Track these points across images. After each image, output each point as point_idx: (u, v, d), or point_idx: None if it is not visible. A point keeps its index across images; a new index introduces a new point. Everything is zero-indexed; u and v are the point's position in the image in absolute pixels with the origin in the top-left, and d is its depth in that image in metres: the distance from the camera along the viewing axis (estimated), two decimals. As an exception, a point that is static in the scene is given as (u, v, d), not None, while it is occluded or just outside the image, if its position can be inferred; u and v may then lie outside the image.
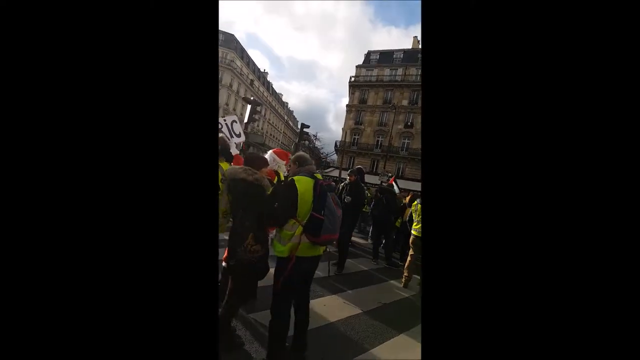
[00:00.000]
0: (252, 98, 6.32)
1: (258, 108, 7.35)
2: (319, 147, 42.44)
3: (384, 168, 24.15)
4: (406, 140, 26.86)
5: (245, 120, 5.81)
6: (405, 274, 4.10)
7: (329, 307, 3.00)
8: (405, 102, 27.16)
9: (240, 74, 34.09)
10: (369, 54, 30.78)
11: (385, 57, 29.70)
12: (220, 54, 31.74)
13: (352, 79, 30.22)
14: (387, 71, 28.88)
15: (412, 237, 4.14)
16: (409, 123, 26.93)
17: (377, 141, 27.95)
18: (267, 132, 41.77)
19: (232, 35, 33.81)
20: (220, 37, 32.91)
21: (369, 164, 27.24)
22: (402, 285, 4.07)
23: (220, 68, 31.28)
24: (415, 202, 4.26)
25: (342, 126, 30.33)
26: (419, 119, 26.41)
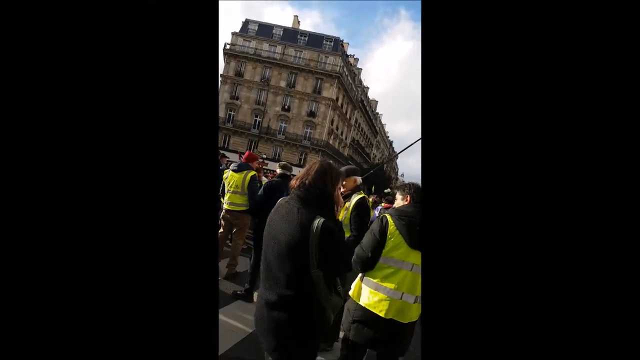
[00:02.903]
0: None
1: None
2: None
3: (257, 149, 23.36)
4: (283, 124, 26.72)
5: None
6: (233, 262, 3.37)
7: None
8: (283, 84, 26.84)
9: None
10: (247, 22, 28.47)
11: (264, 30, 28.16)
12: None
13: (227, 46, 27.45)
14: (265, 45, 27.46)
15: (222, 212, 3.43)
16: (286, 106, 26.81)
17: (255, 121, 26.70)
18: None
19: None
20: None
21: (246, 145, 25.80)
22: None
23: None
24: (225, 171, 3.55)
25: (217, 99, 27.42)
26: (296, 103, 26.72)
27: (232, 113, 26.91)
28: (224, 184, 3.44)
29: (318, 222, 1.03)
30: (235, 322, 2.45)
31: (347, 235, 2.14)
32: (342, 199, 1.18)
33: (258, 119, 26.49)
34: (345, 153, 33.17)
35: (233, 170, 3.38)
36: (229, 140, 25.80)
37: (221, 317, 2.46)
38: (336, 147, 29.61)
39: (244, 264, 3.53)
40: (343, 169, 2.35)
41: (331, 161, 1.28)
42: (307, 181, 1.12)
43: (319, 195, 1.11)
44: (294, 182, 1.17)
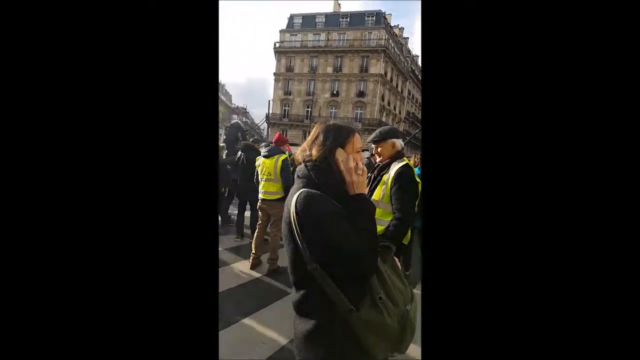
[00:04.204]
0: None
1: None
2: (257, 124, 39.31)
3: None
4: (333, 110, 26.24)
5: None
6: (252, 251, 3.15)
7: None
8: (330, 70, 26.23)
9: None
10: (291, 18, 28.65)
11: (308, 21, 27.95)
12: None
13: (277, 44, 27.96)
14: (310, 36, 27.23)
15: (258, 203, 3.17)
16: (334, 91, 26.21)
17: (307, 112, 26.77)
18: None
19: None
20: None
21: (301, 136, 26.15)
22: (250, 266, 3.13)
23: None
24: (258, 158, 3.26)
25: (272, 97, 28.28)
26: (344, 86, 25.91)
27: (287, 108, 27.46)
28: (257, 172, 3.18)
29: (296, 195, 0.80)
30: (269, 330, 2.12)
31: (389, 219, 1.59)
32: (358, 165, 0.85)
33: (309, 109, 26.49)
34: (401, 128, 31.07)
35: (264, 156, 3.08)
36: (285, 135, 26.42)
37: (252, 323, 2.18)
38: (390, 123, 27.84)
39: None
40: (377, 130, 1.78)
41: (334, 121, 0.97)
42: (305, 152, 0.90)
43: (312, 166, 0.85)
44: (297, 156, 0.92)
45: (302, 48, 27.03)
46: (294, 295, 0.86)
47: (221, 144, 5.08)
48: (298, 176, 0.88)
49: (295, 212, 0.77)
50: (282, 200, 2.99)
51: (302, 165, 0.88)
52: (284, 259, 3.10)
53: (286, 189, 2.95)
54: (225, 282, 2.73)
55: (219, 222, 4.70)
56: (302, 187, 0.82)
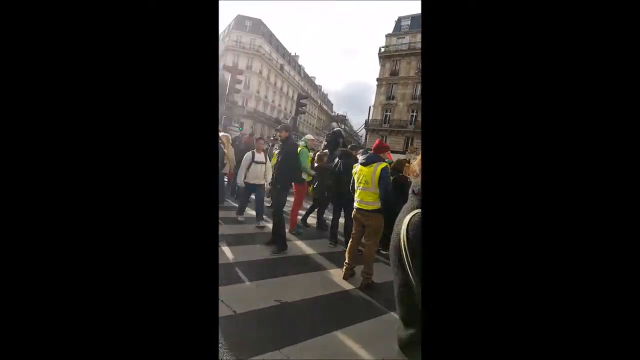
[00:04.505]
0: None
1: (303, 101, 9.75)
2: (355, 131, 40.18)
3: (413, 145, 21.95)
4: (442, 113, 24.03)
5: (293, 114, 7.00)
6: (346, 260, 3.07)
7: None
8: (440, 70, 24.18)
9: (270, 59, 33.31)
10: (399, 21, 27.92)
11: (417, 22, 26.59)
12: (248, 40, 31.39)
13: (382, 49, 27.75)
14: (419, 37, 25.84)
15: (353, 212, 3.07)
16: (445, 93, 23.98)
17: (412, 116, 25.42)
18: (300, 117, 41.19)
19: (259, 20, 33.01)
20: (248, 23, 32.44)
21: (402, 142, 25.05)
22: (342, 276, 3.06)
23: (248, 54, 30.92)
24: (355, 166, 3.14)
25: (373, 103, 28.21)
26: (456, 86, 23.38)
27: (388, 114, 26.82)
28: (353, 180, 3.10)
29: (409, 216, 0.69)
30: (360, 348, 1.98)
31: None
32: None
33: (414, 113, 25.09)
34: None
35: (361, 164, 2.97)
36: (385, 141, 25.83)
37: (343, 336, 2.08)
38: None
39: (385, 273, 3.03)
40: None
41: None
42: None
43: None
44: (414, 168, 0.80)
45: (409, 50, 25.94)
46: (401, 330, 0.75)
47: (324, 151, 5.27)
48: (413, 192, 0.76)
49: (406, 236, 0.66)
50: (379, 211, 2.81)
51: (420, 179, 0.76)
52: (378, 275, 2.94)
53: (383, 200, 2.76)
54: (317, 288, 2.74)
55: (315, 225, 4.87)
56: (418, 207, 0.70)
